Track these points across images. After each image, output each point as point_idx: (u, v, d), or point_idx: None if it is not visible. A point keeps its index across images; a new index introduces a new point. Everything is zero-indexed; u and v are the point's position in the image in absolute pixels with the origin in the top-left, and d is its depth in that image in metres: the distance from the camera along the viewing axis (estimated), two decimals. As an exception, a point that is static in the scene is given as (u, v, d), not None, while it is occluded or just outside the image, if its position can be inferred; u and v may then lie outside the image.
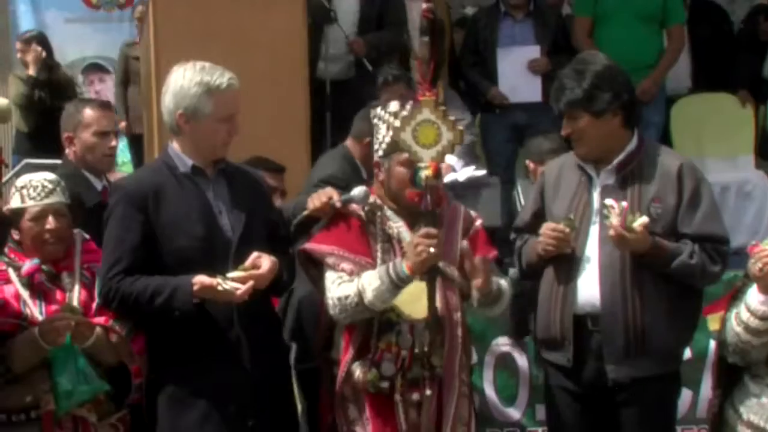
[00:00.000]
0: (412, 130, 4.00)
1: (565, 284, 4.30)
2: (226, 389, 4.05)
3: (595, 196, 4.34)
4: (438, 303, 4.07)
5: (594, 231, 4.31)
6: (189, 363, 4.06)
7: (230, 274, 3.98)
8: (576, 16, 7.70)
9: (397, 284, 4.02)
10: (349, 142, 5.75)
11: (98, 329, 4.04)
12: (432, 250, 3.93)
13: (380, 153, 4.24)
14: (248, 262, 4.01)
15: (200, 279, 3.97)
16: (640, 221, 4.13)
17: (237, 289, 3.95)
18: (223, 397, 4.06)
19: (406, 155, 4.09)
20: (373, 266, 4.11)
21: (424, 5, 4.07)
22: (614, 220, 4.13)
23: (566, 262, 4.31)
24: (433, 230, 3.98)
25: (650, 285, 4.24)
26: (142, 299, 4.02)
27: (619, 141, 4.35)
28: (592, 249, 4.30)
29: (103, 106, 5.13)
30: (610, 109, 4.30)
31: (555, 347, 4.36)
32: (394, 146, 4.13)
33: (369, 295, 4.03)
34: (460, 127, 4.08)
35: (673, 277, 4.25)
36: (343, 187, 5.45)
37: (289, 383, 4.47)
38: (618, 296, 4.24)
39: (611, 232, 4.14)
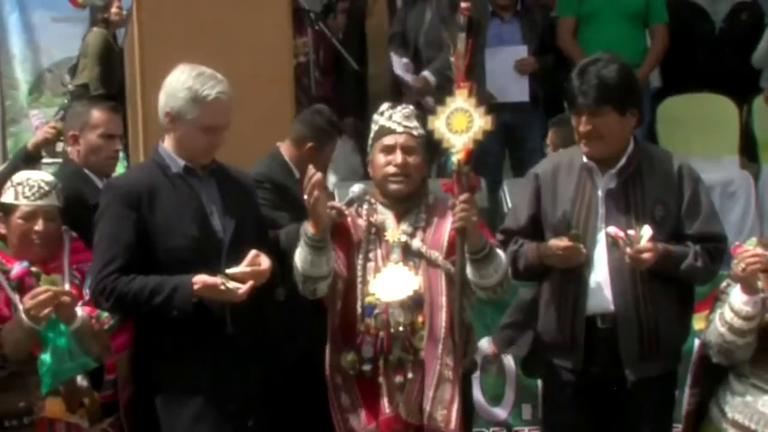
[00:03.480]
0: (446, 117, 4.10)
1: (575, 289, 4.27)
2: (219, 389, 4.05)
3: (600, 199, 4.29)
4: (421, 285, 4.10)
5: (601, 235, 4.26)
6: (183, 362, 4.05)
7: (230, 270, 3.98)
8: (560, 17, 7.70)
9: (309, 243, 4.04)
10: (283, 144, 5.66)
11: (83, 313, 4.00)
12: (464, 213, 4.00)
13: (368, 148, 4.28)
14: (247, 261, 4.02)
15: (202, 278, 3.97)
16: (647, 236, 4.11)
17: (238, 288, 3.96)
18: (217, 396, 4.06)
19: (385, 142, 4.17)
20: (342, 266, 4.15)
21: (463, 3, 4.19)
22: (627, 248, 4.10)
23: (573, 267, 4.26)
24: (468, 195, 4.05)
25: (659, 285, 4.24)
26: (140, 298, 4.01)
27: (628, 142, 4.33)
28: (600, 252, 4.26)
29: (112, 108, 5.11)
30: (635, 106, 4.29)
31: (563, 351, 4.33)
32: (377, 136, 4.20)
33: (298, 264, 4.09)
34: (492, 114, 4.12)
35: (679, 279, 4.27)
36: (275, 184, 5.35)
37: (281, 381, 4.47)
38: (630, 299, 4.22)
39: (627, 258, 4.12)
